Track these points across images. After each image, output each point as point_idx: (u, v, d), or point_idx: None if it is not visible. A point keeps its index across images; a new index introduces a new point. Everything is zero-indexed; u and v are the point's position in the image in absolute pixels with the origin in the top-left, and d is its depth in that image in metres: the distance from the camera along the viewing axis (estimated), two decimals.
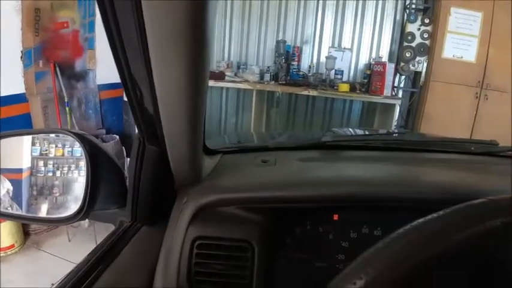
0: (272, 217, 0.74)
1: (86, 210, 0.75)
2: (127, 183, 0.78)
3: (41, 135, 0.86)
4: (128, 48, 0.52)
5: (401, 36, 4.34)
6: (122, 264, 0.71)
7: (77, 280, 0.63)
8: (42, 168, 0.83)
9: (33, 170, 0.83)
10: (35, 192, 0.84)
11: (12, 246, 2.92)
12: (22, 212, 0.84)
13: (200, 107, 0.59)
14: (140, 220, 0.78)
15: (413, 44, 4.21)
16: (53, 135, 0.86)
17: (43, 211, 0.85)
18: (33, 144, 0.83)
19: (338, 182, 0.82)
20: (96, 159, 0.76)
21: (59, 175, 0.84)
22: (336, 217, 0.77)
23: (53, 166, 0.84)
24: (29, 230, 3.14)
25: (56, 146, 0.84)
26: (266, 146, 1.13)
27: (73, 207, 0.77)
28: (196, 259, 0.69)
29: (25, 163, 0.83)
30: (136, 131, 0.71)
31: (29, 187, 0.83)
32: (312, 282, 0.76)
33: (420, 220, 0.38)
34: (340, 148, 1.06)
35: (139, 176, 0.73)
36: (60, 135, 0.85)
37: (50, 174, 0.84)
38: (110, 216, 0.82)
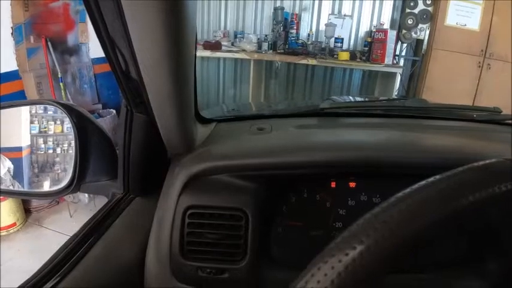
0: (267, 185, 0.73)
1: (77, 182, 0.75)
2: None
3: (39, 112, 0.85)
4: (105, 15, 0.50)
5: (404, 2, 4.18)
6: (114, 236, 0.71)
7: (69, 251, 0.63)
8: (42, 146, 0.84)
9: (33, 148, 0.83)
10: (36, 170, 0.84)
11: (13, 224, 2.94)
12: (13, 188, 0.84)
13: (185, 73, 0.57)
14: (132, 191, 0.77)
15: (416, 11, 4.07)
16: (50, 112, 0.85)
17: (38, 186, 0.87)
18: (31, 122, 0.83)
19: (335, 147, 0.79)
20: (85, 130, 0.75)
21: (60, 152, 0.84)
22: (333, 185, 0.76)
23: (53, 143, 0.84)
24: (30, 207, 3.17)
25: (55, 123, 0.84)
26: (262, 114, 1.10)
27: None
28: (189, 229, 0.68)
29: (24, 141, 0.83)
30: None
31: (29, 165, 0.84)
32: (308, 251, 0.75)
33: (429, 179, 0.35)
34: (338, 115, 1.03)
35: (129, 145, 0.71)
36: (53, 108, 0.83)
37: (50, 151, 0.84)
38: (103, 188, 0.81)
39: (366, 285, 0.30)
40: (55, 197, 1.00)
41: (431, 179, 0.35)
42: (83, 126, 0.75)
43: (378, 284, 0.31)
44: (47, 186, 0.84)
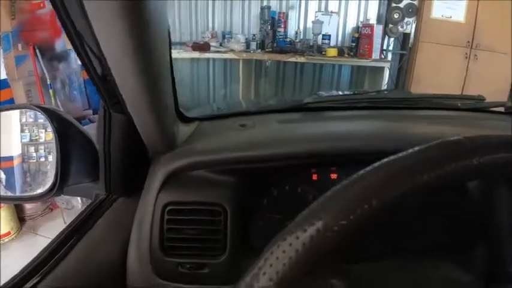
0: (247, 179, 0.72)
1: (59, 185, 0.75)
2: None
3: (30, 121, 0.83)
4: (72, 14, 0.49)
5: None
6: (96, 235, 0.71)
7: (50, 252, 0.63)
8: (34, 154, 0.83)
9: (24, 157, 0.83)
10: (28, 179, 0.84)
11: (8, 233, 2.93)
12: None
13: (157, 71, 0.56)
14: (115, 192, 0.77)
15: (402, 5, 4.08)
16: (41, 120, 0.83)
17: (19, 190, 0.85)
18: (22, 130, 0.83)
19: (315, 138, 0.79)
20: (65, 132, 0.75)
21: (52, 159, 0.82)
22: (315, 177, 0.76)
23: (45, 151, 0.83)
24: (24, 216, 3.15)
25: (46, 131, 0.82)
26: (246, 110, 1.09)
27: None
28: (168, 225, 0.68)
29: (15, 150, 0.82)
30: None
31: (21, 174, 0.83)
32: None
33: (384, 160, 0.34)
34: (322, 109, 1.02)
35: (108, 146, 0.71)
36: (44, 115, 0.81)
37: (42, 159, 0.83)
38: (86, 190, 0.80)
39: (319, 266, 0.31)
40: (37, 200, 0.99)
41: (391, 157, 0.34)
42: (64, 129, 0.75)
43: (346, 272, 0.32)
44: (32, 192, 0.84)
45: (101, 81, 0.60)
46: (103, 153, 0.72)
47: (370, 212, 0.31)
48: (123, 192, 0.77)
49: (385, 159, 0.34)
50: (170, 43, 0.63)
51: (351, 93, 1.86)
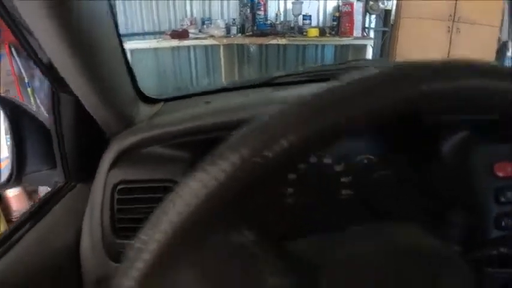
0: (207, 152, 0.69)
1: (17, 175, 0.72)
2: None
3: None
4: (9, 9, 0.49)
5: None
6: (52, 221, 0.68)
7: (2, 239, 0.61)
8: None
9: None
10: None
11: None
12: None
13: (100, 56, 0.54)
14: (73, 178, 0.74)
15: None
16: None
17: None
18: (7, 133, 0.79)
19: (286, 100, 0.74)
20: (19, 119, 0.72)
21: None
22: None
23: None
24: (11, 217, 3.11)
25: None
26: (212, 89, 1.05)
27: None
28: (119, 205, 0.65)
29: (3, 153, 0.79)
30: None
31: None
32: None
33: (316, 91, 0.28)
34: (294, 83, 0.98)
35: (60, 129, 0.67)
36: None
37: None
38: (45, 178, 0.77)
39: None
40: None
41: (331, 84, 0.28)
42: (17, 116, 0.72)
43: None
44: None
45: (45, 67, 0.58)
46: (56, 138, 0.69)
47: (286, 149, 0.26)
48: (82, 177, 0.74)
49: (315, 91, 0.28)
50: (118, 30, 0.61)
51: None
